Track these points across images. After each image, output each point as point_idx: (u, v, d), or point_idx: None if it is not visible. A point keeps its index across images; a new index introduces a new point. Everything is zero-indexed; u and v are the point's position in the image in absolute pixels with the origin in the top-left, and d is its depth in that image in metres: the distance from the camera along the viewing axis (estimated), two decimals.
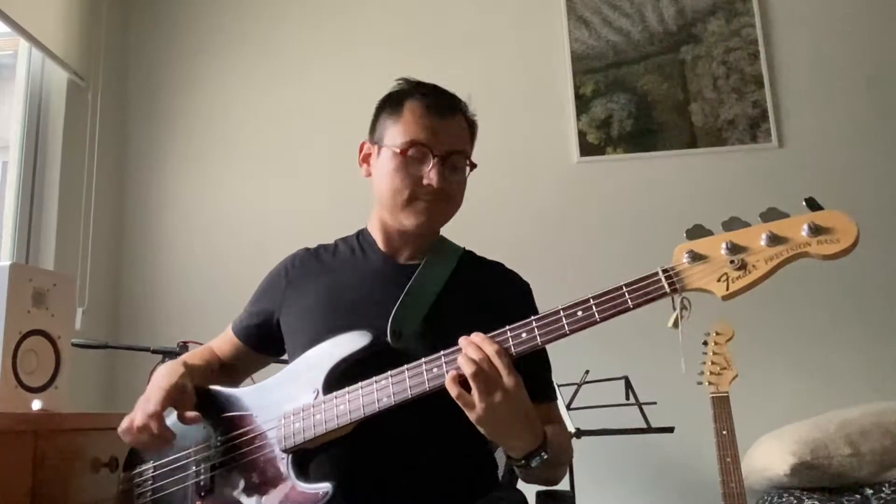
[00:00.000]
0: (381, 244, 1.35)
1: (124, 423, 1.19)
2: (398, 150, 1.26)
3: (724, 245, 0.95)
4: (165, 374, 1.23)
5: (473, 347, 1.02)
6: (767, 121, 2.74)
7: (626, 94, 2.83)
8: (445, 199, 1.28)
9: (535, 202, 2.80)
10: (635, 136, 2.79)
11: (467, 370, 1.00)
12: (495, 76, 2.91)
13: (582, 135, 2.81)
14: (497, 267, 1.40)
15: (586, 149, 2.80)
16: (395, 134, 1.28)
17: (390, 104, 1.32)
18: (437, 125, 1.27)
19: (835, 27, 2.80)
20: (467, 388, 1.02)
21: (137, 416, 1.18)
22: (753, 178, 2.71)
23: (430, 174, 1.24)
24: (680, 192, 2.74)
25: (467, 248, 1.40)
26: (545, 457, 1.07)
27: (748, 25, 2.82)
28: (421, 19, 3.00)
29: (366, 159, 1.36)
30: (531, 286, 1.37)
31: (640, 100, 2.82)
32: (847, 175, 2.67)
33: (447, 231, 1.40)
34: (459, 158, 1.29)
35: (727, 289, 0.94)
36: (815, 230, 0.92)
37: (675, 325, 0.96)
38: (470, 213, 2.86)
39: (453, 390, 1.02)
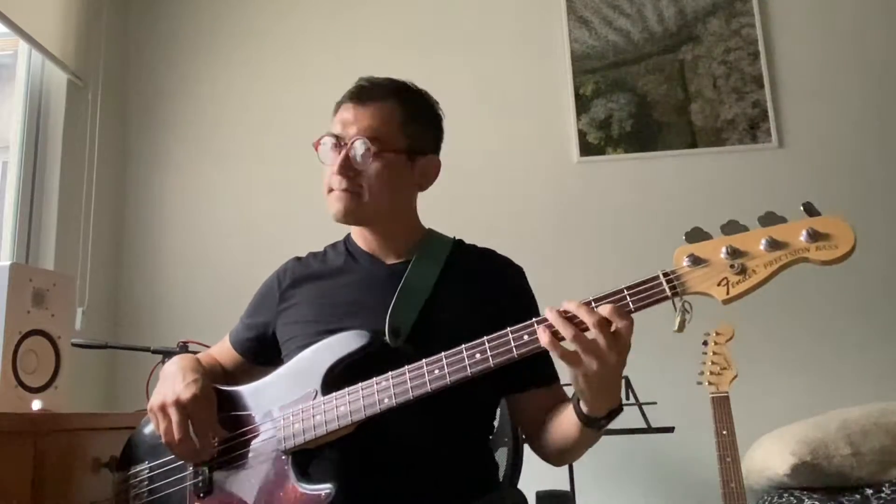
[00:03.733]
0: (364, 247, 1.35)
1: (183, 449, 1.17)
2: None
3: (724, 249, 0.95)
4: (188, 371, 1.22)
5: (568, 317, 0.98)
6: (767, 121, 2.74)
7: (626, 94, 2.82)
8: (351, 188, 1.25)
9: (535, 202, 2.80)
10: (635, 136, 2.79)
11: (579, 345, 0.97)
12: (495, 76, 2.91)
13: (582, 135, 2.81)
14: (489, 255, 1.38)
15: (586, 149, 2.80)
16: None
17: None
18: (350, 113, 1.26)
19: (835, 27, 2.80)
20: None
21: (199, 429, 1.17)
22: (753, 178, 2.71)
23: (331, 160, 1.26)
24: (680, 193, 2.74)
25: (457, 238, 1.38)
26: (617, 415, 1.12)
27: (748, 25, 2.82)
28: (421, 19, 3.00)
29: None
30: (531, 286, 1.36)
31: (640, 100, 2.82)
32: (847, 175, 2.66)
33: (444, 228, 1.40)
34: (361, 144, 1.23)
35: (727, 293, 0.95)
36: (814, 236, 0.93)
37: (681, 328, 0.97)
38: (469, 212, 2.84)
39: (556, 351, 0.99)
